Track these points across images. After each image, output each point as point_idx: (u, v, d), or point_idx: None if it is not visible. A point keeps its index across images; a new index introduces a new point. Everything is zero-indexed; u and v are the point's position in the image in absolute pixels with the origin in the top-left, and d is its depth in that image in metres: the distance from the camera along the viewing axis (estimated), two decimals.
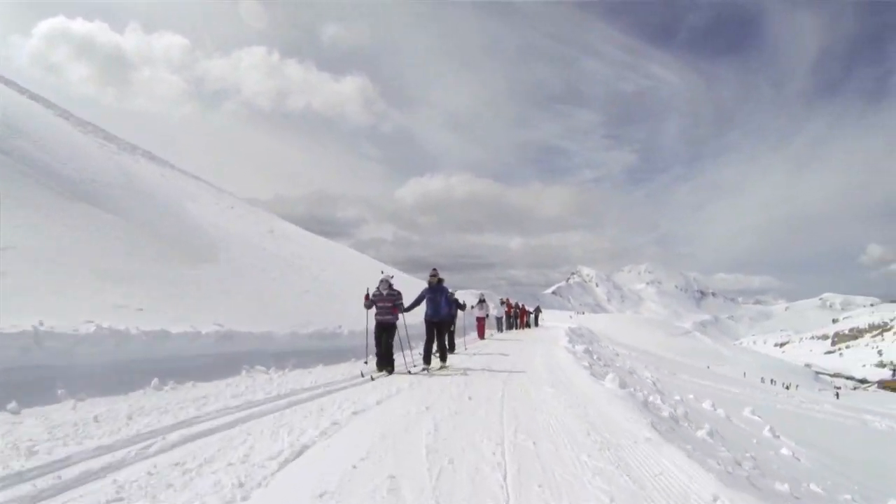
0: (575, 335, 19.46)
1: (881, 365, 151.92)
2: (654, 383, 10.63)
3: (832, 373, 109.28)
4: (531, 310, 31.00)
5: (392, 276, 8.33)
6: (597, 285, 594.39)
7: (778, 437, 7.54)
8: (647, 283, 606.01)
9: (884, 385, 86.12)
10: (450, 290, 9.39)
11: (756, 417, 9.41)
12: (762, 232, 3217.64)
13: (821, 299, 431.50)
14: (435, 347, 8.58)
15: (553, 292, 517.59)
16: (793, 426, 9.67)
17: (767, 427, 7.92)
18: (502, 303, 24.50)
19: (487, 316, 19.00)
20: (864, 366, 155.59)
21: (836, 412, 14.85)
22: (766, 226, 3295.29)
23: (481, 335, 17.82)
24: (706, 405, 9.03)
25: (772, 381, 68.79)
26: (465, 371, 8.22)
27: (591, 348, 14.54)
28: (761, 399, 15.80)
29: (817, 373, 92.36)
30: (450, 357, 9.66)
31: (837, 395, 46.85)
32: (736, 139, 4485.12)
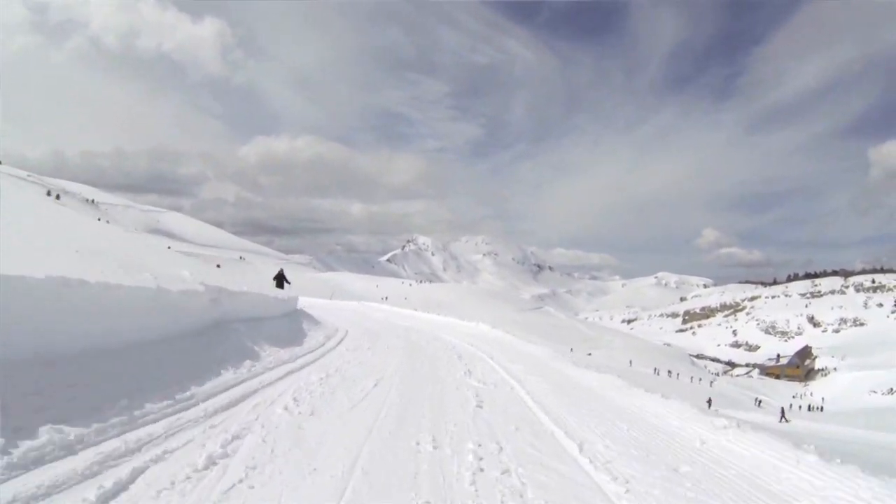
0: None
1: (736, 345, 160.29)
2: None
3: (695, 353, 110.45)
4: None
5: None
6: (433, 254, 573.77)
7: None
8: (484, 255, 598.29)
9: (766, 371, 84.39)
10: None
11: None
12: (603, 212, 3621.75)
13: (656, 277, 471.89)
14: None
15: (388, 260, 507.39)
16: None
17: None
18: None
19: None
20: (718, 345, 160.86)
21: None
22: (607, 206, 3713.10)
23: None
24: None
25: (669, 372, 60.10)
26: None
27: None
28: None
29: (691, 356, 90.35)
30: None
31: (783, 413, 36.23)
32: (584, 121, 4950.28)
